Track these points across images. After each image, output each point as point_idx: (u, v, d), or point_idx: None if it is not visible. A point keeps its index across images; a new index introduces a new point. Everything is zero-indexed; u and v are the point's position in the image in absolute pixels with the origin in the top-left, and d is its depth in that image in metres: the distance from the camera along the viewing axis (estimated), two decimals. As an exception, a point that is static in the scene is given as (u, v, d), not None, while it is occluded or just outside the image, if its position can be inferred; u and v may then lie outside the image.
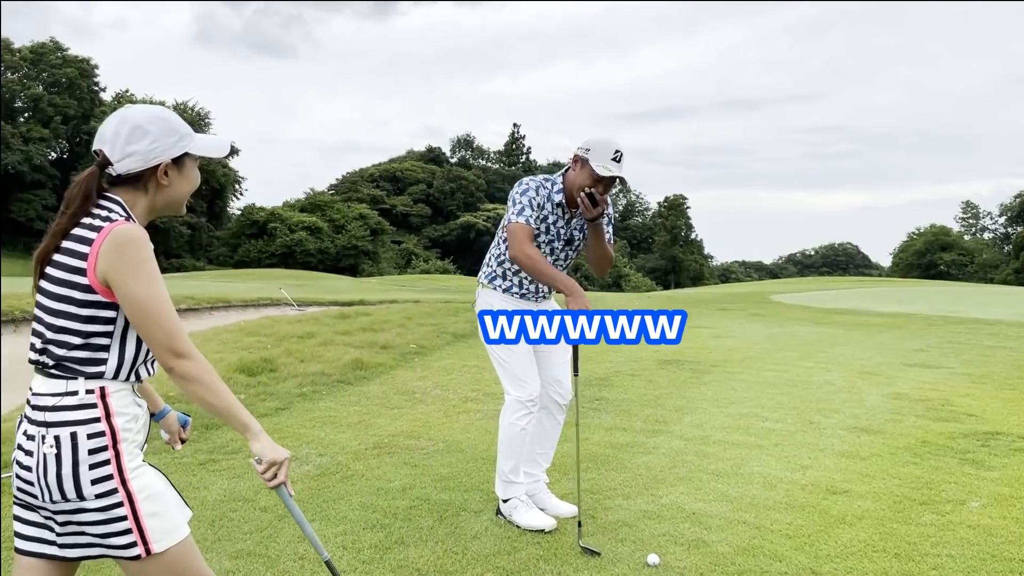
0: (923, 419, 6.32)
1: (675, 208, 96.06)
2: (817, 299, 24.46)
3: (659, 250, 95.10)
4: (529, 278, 3.98)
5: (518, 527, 3.89)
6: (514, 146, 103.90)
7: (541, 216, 3.88)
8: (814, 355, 10.27)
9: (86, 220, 1.95)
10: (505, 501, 4.00)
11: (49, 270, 1.96)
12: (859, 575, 3.40)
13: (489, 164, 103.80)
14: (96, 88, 67.25)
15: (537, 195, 3.87)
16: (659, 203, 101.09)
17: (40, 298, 1.98)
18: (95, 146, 2.00)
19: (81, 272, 1.90)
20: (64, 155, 66.68)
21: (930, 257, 75.55)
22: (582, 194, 3.77)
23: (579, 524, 3.81)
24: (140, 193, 2.03)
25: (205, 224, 68.91)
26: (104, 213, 1.95)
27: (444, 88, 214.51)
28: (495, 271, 4.06)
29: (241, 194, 77.50)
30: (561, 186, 3.91)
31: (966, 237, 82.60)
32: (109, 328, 1.94)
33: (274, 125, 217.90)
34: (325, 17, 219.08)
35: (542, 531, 3.83)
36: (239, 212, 74.04)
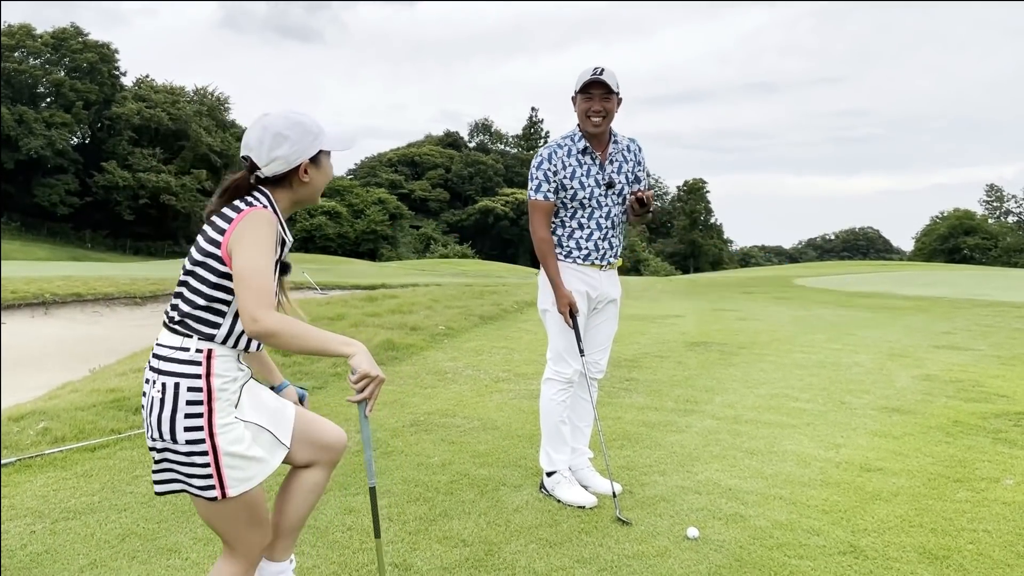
0: (954, 399, 6.33)
1: (695, 192, 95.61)
2: (841, 283, 24.36)
3: (678, 234, 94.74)
4: (587, 236, 3.95)
5: (559, 502, 3.97)
6: (532, 130, 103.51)
7: (568, 175, 3.87)
8: (841, 337, 10.27)
9: (237, 203, 2.26)
10: (549, 475, 4.08)
11: (199, 237, 2.26)
12: (897, 549, 3.45)
13: (507, 148, 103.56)
14: (117, 73, 67.63)
15: (551, 162, 3.86)
16: (679, 187, 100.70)
17: (186, 259, 2.27)
18: (242, 153, 2.32)
19: (217, 244, 2.21)
20: (86, 140, 67.14)
21: (953, 241, 74.66)
22: (631, 197, 3.85)
23: (614, 495, 3.90)
24: (285, 190, 2.34)
25: (226, 209, 69.31)
26: (251, 200, 2.27)
27: (463, 73, 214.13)
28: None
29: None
30: (580, 133, 3.91)
31: (990, 221, 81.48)
32: (229, 297, 2.22)
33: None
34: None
35: (582, 507, 3.90)
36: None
